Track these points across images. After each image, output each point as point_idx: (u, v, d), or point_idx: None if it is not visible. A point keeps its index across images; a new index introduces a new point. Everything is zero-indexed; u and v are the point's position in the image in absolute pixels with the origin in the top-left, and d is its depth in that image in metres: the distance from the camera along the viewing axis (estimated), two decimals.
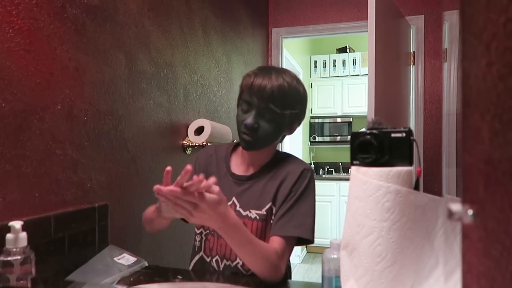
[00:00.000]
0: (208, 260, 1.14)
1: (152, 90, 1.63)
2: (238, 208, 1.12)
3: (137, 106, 1.52)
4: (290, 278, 1.18)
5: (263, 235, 1.10)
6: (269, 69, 1.10)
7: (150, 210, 1.12)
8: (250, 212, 1.11)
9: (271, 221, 1.10)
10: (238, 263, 1.10)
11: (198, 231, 1.18)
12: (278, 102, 1.06)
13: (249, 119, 1.07)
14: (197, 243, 1.18)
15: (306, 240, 1.07)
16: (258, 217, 1.10)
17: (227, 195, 1.14)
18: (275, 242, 1.04)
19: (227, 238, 0.93)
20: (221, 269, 1.12)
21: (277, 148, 1.22)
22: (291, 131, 1.18)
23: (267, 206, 1.10)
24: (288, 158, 1.19)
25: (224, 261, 1.12)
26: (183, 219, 0.98)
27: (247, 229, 0.98)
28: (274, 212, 1.10)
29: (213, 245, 1.13)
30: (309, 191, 1.10)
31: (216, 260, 1.13)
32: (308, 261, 4.48)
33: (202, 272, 1.14)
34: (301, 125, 4.59)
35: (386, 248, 0.63)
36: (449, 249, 0.65)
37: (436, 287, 0.65)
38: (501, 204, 0.33)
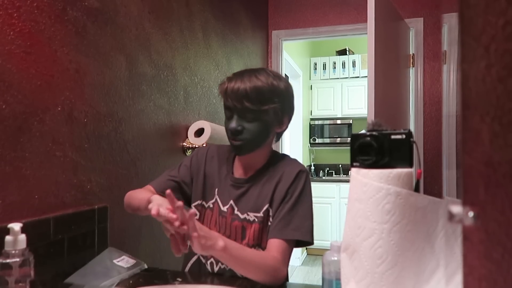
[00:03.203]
0: (203, 262, 1.15)
1: (152, 92, 1.63)
2: (236, 211, 1.12)
3: (137, 108, 1.52)
4: (288, 280, 1.18)
5: (261, 236, 1.10)
6: (242, 72, 1.12)
7: (139, 199, 1.08)
8: (248, 215, 1.11)
9: (269, 223, 1.10)
10: None
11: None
12: (254, 99, 1.06)
13: (232, 124, 1.08)
14: None
15: (305, 242, 1.07)
16: (256, 220, 1.10)
17: (226, 198, 1.14)
18: (275, 245, 1.04)
19: (220, 259, 0.95)
20: (215, 272, 1.12)
21: (275, 150, 1.22)
22: (281, 126, 1.16)
23: (265, 208, 1.10)
24: (283, 159, 1.18)
25: (219, 264, 1.12)
26: None
27: (237, 243, 0.99)
28: (271, 214, 1.10)
29: None
30: (306, 193, 1.11)
31: (211, 263, 1.13)
32: (308, 263, 4.47)
33: (199, 274, 1.14)
34: (301, 127, 4.51)
35: (387, 250, 0.63)
36: (450, 251, 0.65)
37: None
38: (501, 206, 0.33)
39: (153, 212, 0.85)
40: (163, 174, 1.22)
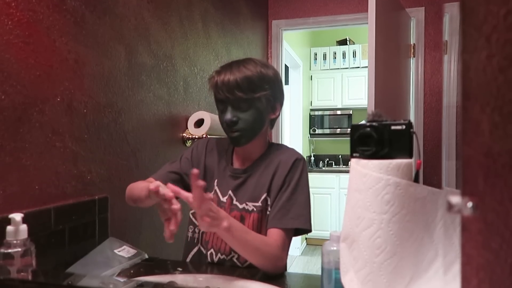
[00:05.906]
0: (204, 252, 1.15)
1: (152, 82, 1.63)
2: (235, 202, 1.13)
3: (137, 98, 1.52)
4: (286, 269, 1.19)
5: (260, 225, 1.11)
6: (230, 64, 1.13)
7: (140, 188, 1.07)
8: (246, 204, 1.12)
9: (267, 212, 1.11)
10: (233, 256, 1.11)
11: (197, 223, 1.19)
12: (246, 89, 1.07)
13: (227, 116, 1.09)
14: (196, 235, 1.18)
15: (304, 230, 1.09)
16: (255, 209, 1.11)
17: (225, 189, 1.15)
18: (275, 234, 1.05)
19: (223, 238, 0.95)
20: (215, 262, 1.13)
21: (273, 141, 1.23)
22: (274, 112, 1.18)
23: (263, 197, 1.12)
24: (280, 148, 1.20)
25: (219, 254, 1.13)
26: None
27: (243, 226, 1.00)
28: (269, 203, 1.11)
29: (209, 238, 1.14)
30: (303, 181, 1.12)
31: (211, 253, 1.14)
32: (307, 253, 4.50)
33: (200, 264, 1.15)
34: (301, 117, 4.50)
35: (386, 240, 0.64)
36: (448, 241, 0.66)
37: (435, 279, 0.65)
38: (500, 196, 0.33)
39: (152, 187, 0.85)
40: (163, 167, 1.22)
